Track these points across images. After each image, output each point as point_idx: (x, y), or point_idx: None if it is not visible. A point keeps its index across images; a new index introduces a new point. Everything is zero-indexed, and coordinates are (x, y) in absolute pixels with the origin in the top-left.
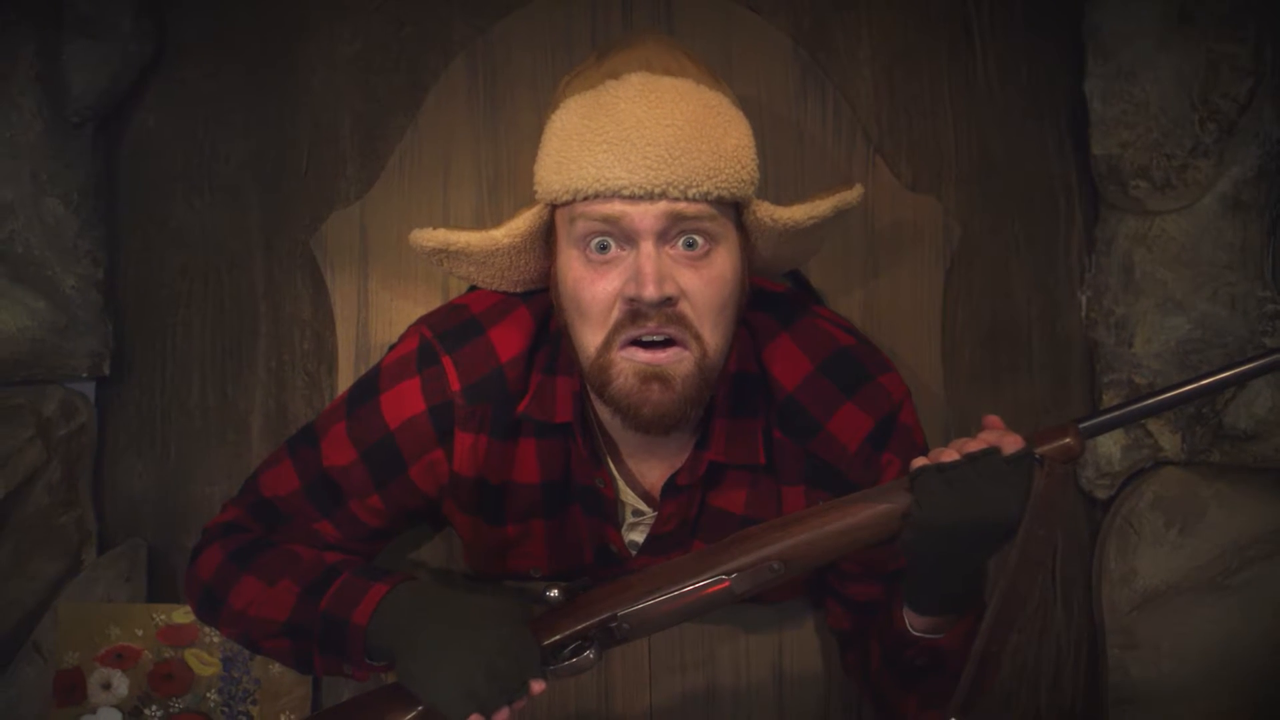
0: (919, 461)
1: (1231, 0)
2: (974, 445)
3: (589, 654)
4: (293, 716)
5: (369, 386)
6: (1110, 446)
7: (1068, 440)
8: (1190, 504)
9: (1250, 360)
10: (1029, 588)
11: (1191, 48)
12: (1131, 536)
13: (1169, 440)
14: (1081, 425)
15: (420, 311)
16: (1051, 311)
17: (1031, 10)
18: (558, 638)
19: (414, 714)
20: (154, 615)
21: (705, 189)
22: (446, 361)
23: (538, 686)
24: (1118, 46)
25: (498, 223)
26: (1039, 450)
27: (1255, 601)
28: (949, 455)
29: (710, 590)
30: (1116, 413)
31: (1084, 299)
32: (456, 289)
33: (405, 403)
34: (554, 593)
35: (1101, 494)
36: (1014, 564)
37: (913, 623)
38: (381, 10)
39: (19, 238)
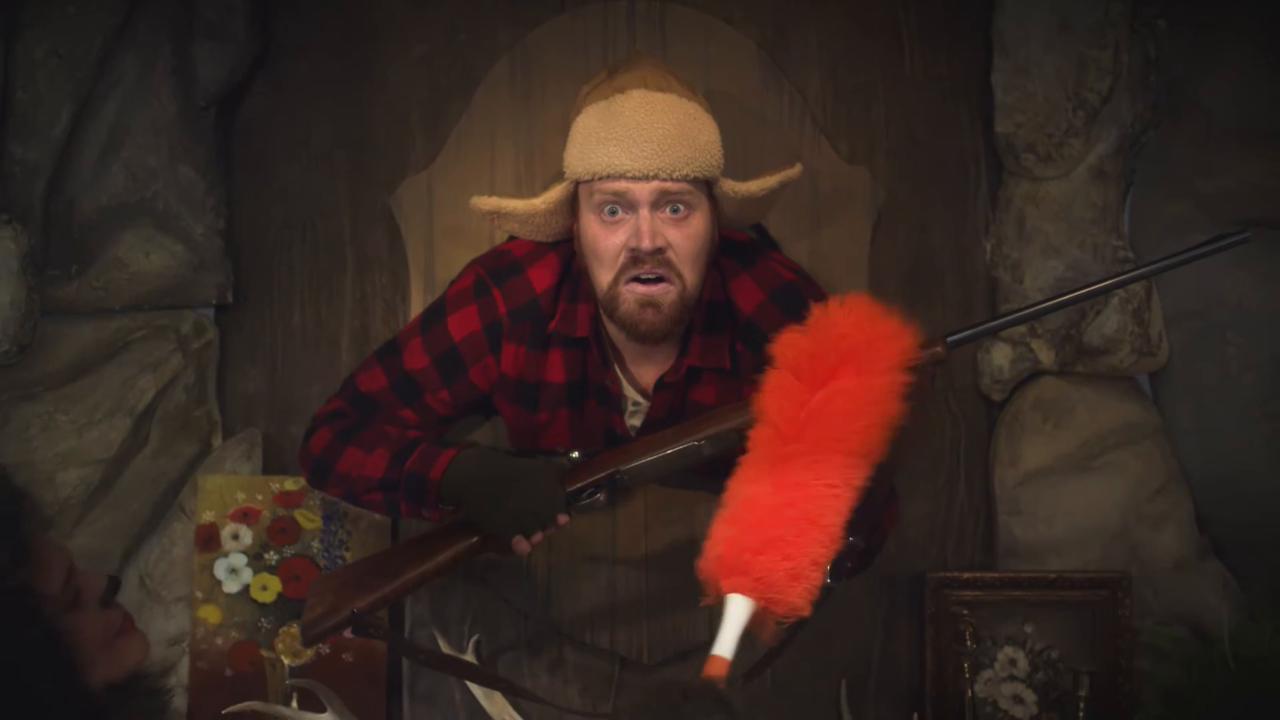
0: None
1: (1097, 15)
2: None
3: (599, 497)
4: None
5: (437, 311)
6: (1002, 360)
7: (938, 348)
8: (1062, 405)
9: (1059, 296)
10: (906, 448)
11: (1068, 52)
12: (1018, 429)
13: (1046, 355)
14: (948, 339)
15: (472, 255)
16: (961, 255)
17: (950, 18)
18: (577, 485)
19: (475, 539)
20: (270, 484)
21: (685, 173)
22: (496, 292)
23: (563, 519)
24: (1016, 48)
25: (532, 189)
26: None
27: (1110, 479)
28: None
29: (686, 450)
30: (971, 330)
31: (988, 246)
32: (500, 238)
33: (465, 323)
34: (575, 454)
35: (996, 397)
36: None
37: None
38: (442, 20)
39: (160, 196)
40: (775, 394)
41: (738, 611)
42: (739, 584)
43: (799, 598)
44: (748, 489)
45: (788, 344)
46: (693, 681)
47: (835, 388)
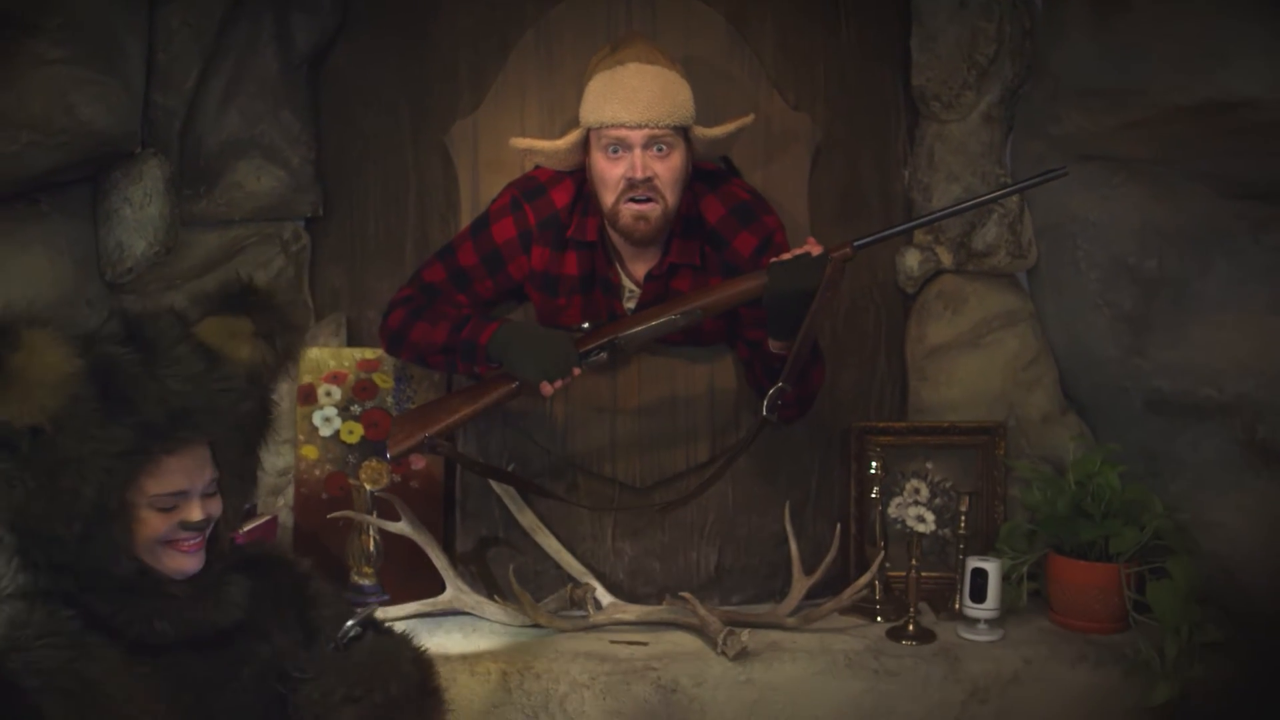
0: (772, 259)
1: None
2: (798, 250)
3: (603, 356)
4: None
5: (483, 222)
6: (913, 262)
7: (846, 249)
8: (958, 296)
9: (946, 209)
10: (820, 324)
11: (965, 23)
12: (925, 315)
13: (946, 256)
14: (855, 243)
15: (507, 179)
16: (884, 180)
17: None
18: (587, 348)
19: (513, 385)
20: (354, 354)
21: (667, 123)
22: (527, 208)
23: (576, 371)
24: (928, 19)
25: (553, 131)
26: (830, 254)
27: (993, 353)
28: (787, 256)
29: (666, 322)
30: (871, 237)
31: (906, 174)
32: (529, 167)
33: (505, 230)
34: (585, 325)
35: (909, 290)
36: (813, 312)
37: (773, 346)
38: None
39: (266, 134)
40: None
41: None
42: None
43: None
44: None
45: None
46: None
47: None
